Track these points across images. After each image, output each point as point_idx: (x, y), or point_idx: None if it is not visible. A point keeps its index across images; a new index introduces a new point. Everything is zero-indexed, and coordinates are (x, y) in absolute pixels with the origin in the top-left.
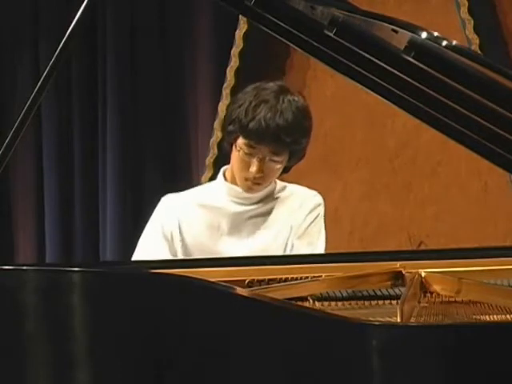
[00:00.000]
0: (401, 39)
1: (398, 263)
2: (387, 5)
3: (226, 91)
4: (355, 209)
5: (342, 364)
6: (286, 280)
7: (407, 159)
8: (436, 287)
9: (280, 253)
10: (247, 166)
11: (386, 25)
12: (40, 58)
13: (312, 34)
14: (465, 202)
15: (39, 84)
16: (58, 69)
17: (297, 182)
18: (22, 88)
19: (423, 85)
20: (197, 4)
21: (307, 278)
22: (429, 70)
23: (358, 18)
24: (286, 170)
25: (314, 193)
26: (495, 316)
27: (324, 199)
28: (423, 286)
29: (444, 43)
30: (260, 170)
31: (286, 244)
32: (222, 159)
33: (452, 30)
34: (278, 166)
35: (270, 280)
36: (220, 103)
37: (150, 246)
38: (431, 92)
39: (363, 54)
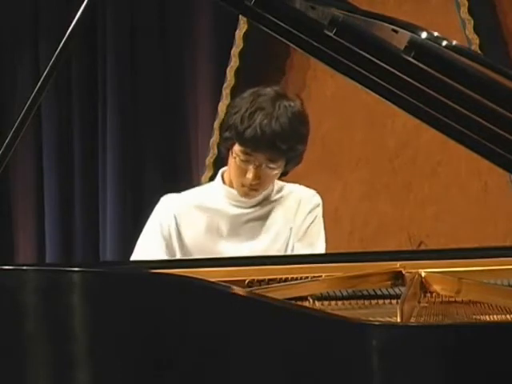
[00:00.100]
0: (401, 39)
1: (398, 263)
2: (387, 5)
3: (225, 91)
4: (355, 209)
5: (341, 364)
6: (286, 280)
7: (407, 159)
8: (436, 287)
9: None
10: (244, 172)
11: (386, 25)
12: (40, 58)
13: (312, 34)
14: (465, 202)
15: (39, 84)
16: (57, 69)
17: (297, 182)
18: (21, 88)
19: (423, 85)
20: (197, 4)
21: (307, 278)
22: (429, 69)
23: (358, 17)
24: (283, 174)
25: (312, 192)
26: (495, 316)
27: (324, 199)
28: (423, 286)
29: (444, 43)
30: (256, 176)
31: (287, 246)
32: (222, 159)
33: (452, 30)
34: (275, 172)
35: (269, 280)
36: (220, 103)
37: (149, 246)
38: (431, 92)
39: (363, 54)
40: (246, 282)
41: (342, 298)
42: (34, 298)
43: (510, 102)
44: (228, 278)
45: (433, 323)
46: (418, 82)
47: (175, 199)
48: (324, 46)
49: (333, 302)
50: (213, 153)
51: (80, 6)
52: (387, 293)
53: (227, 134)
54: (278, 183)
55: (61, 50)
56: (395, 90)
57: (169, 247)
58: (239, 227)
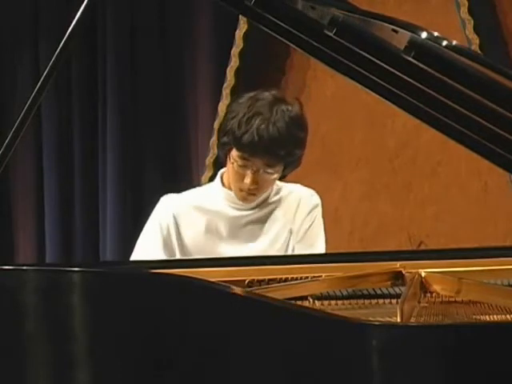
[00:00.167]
0: (401, 39)
1: (398, 263)
2: (387, 5)
3: (225, 91)
4: (355, 209)
5: (342, 364)
6: (286, 280)
7: (407, 159)
8: (436, 287)
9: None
10: (241, 177)
11: (386, 25)
12: (40, 58)
13: (312, 34)
14: (465, 202)
15: (39, 84)
16: (58, 69)
17: (297, 182)
18: (22, 88)
19: (423, 85)
20: (197, 4)
21: (307, 278)
22: (429, 69)
23: (358, 17)
24: (282, 176)
25: (310, 192)
26: (495, 316)
27: (324, 199)
28: (423, 286)
29: (444, 43)
30: (254, 181)
31: (287, 247)
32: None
33: (452, 30)
34: (273, 176)
35: (269, 280)
36: (220, 103)
37: (149, 245)
38: (431, 92)
39: (363, 54)
40: (246, 282)
41: (342, 298)
42: (34, 298)
43: (510, 101)
44: (228, 278)
45: (433, 323)
46: (418, 82)
47: (175, 199)
48: (324, 46)
49: (333, 302)
50: (213, 153)
51: (80, 6)
52: (387, 292)
53: (225, 139)
54: (276, 184)
55: (61, 50)
56: (395, 90)
57: (168, 247)
58: (238, 229)
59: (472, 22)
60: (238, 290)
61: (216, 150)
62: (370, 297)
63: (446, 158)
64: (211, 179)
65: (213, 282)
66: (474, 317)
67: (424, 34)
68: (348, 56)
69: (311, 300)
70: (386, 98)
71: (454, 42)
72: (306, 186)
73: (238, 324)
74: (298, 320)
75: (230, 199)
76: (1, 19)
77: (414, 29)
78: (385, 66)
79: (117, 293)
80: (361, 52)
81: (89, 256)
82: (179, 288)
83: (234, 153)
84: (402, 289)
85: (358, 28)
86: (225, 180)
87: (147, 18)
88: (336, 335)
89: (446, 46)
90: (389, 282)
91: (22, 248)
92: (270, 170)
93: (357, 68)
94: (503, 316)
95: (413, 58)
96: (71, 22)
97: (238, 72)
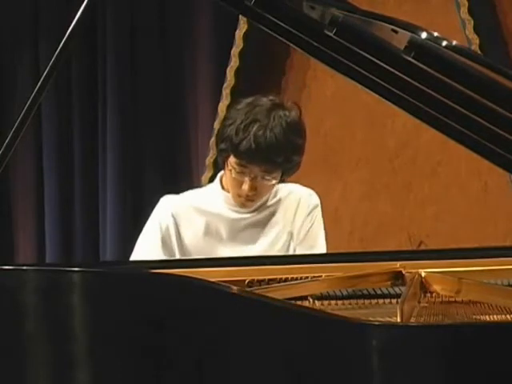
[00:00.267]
0: (401, 39)
1: (398, 263)
2: (387, 5)
3: (225, 91)
4: (355, 209)
5: (342, 364)
6: (286, 280)
7: (407, 159)
8: (436, 287)
9: None
10: (239, 184)
11: (386, 25)
12: (40, 58)
13: (312, 34)
14: (465, 202)
15: (39, 84)
16: (58, 69)
17: (297, 181)
18: (22, 88)
19: (423, 85)
20: (197, 4)
21: (307, 278)
22: (429, 70)
23: (358, 17)
24: (280, 181)
25: (309, 192)
26: (495, 316)
27: (324, 199)
28: (423, 286)
29: (444, 43)
30: (252, 188)
31: (287, 249)
32: None
33: (452, 30)
34: (271, 183)
35: (269, 280)
36: (220, 103)
37: (148, 246)
38: (431, 92)
39: (363, 54)
40: (246, 282)
41: (342, 298)
42: (34, 298)
43: (510, 101)
44: (228, 278)
45: (433, 323)
46: (418, 82)
47: (174, 200)
48: (324, 46)
49: (333, 302)
50: (213, 153)
51: (80, 6)
52: (387, 292)
53: (222, 145)
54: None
55: (61, 50)
56: (395, 90)
57: (168, 247)
58: (238, 232)
59: (472, 22)
60: (238, 290)
61: (216, 150)
62: (369, 297)
63: (445, 158)
64: (211, 179)
65: (213, 282)
66: (473, 317)
67: (424, 34)
68: (348, 56)
69: (311, 300)
70: (385, 98)
71: (454, 42)
72: (305, 185)
73: (238, 324)
74: (298, 320)
75: (230, 202)
76: (1, 19)
77: (414, 29)
78: (385, 66)
79: (117, 293)
80: (361, 52)
81: (89, 256)
82: (179, 288)
83: (232, 159)
84: (402, 289)
85: (358, 28)
86: (224, 183)
87: (147, 18)
88: (336, 335)
89: (446, 46)
90: (389, 282)
91: (22, 248)
92: (268, 177)
93: (357, 68)
94: (503, 316)
95: (413, 58)
96: (71, 22)
97: (238, 72)
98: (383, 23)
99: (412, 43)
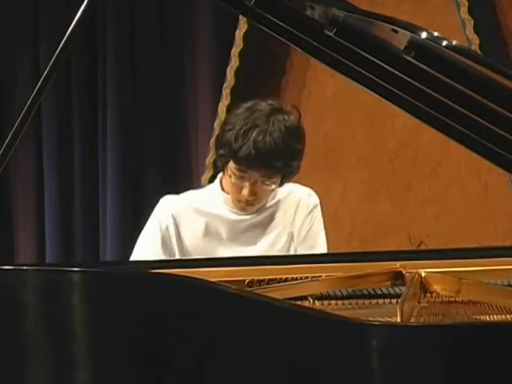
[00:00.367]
0: (401, 39)
1: (398, 263)
2: (387, 5)
3: (225, 91)
4: (355, 209)
5: (342, 364)
6: (286, 280)
7: (407, 159)
8: (436, 287)
9: None
10: (239, 189)
11: (386, 25)
12: (40, 58)
13: (312, 34)
14: (465, 202)
15: (39, 84)
16: (57, 69)
17: (297, 181)
18: (21, 88)
19: (423, 85)
20: (197, 4)
21: (307, 278)
22: (429, 69)
23: (358, 17)
24: (280, 185)
25: (308, 192)
26: (495, 316)
27: (324, 199)
28: (423, 286)
29: (444, 43)
30: (252, 193)
31: (288, 249)
32: None
33: (452, 30)
34: (271, 187)
35: (269, 280)
36: (220, 103)
37: (149, 246)
38: (431, 92)
39: (363, 53)
40: (246, 282)
41: (342, 298)
42: (34, 298)
43: (510, 101)
44: (228, 278)
45: (433, 323)
46: (418, 82)
47: (174, 200)
48: (324, 46)
49: (333, 302)
50: (213, 153)
51: (80, 6)
52: (387, 292)
53: (222, 151)
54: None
55: (61, 50)
56: (395, 90)
57: (168, 247)
58: (238, 233)
59: (472, 22)
60: (238, 289)
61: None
62: (369, 297)
63: (446, 158)
64: (211, 179)
65: (213, 282)
66: (473, 317)
67: (424, 34)
68: (348, 56)
69: (311, 300)
70: (385, 98)
71: (454, 42)
72: (305, 185)
73: (238, 324)
74: (298, 320)
75: (230, 204)
76: (1, 19)
77: (414, 29)
78: (385, 66)
79: (117, 293)
80: (361, 52)
81: (89, 256)
82: (179, 288)
83: (232, 165)
84: (402, 289)
85: (358, 28)
86: (224, 185)
87: (147, 18)
88: (336, 335)
89: (446, 46)
90: (389, 282)
91: (22, 248)
92: (267, 182)
93: (357, 68)
94: (503, 316)
95: (413, 58)
96: (71, 22)
97: (238, 72)
98: (383, 23)
99: (412, 43)
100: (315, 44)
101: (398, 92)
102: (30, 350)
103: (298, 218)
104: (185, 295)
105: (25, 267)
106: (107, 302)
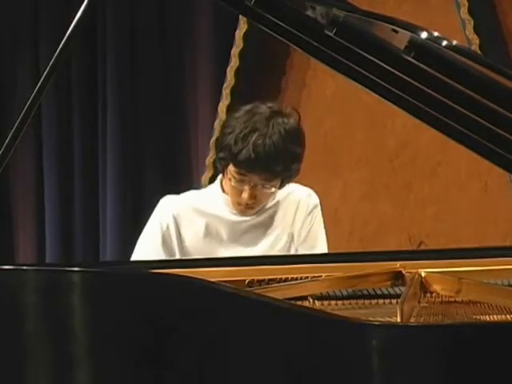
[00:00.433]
0: (401, 39)
1: (398, 263)
2: (387, 5)
3: (225, 91)
4: (355, 209)
5: (342, 364)
6: (286, 280)
7: (407, 159)
8: (436, 287)
9: None
10: (239, 192)
11: (386, 25)
12: (40, 58)
13: (312, 34)
14: (465, 201)
15: (39, 84)
16: (57, 69)
17: (297, 181)
18: (21, 88)
19: (423, 85)
20: (197, 4)
21: (307, 278)
22: (429, 69)
23: (358, 17)
24: (280, 187)
25: (308, 192)
26: (495, 316)
27: (324, 199)
28: (423, 286)
29: (444, 43)
30: (252, 196)
31: (288, 250)
32: None
33: (452, 30)
34: (271, 190)
35: (269, 280)
36: (220, 103)
37: (149, 247)
38: (431, 92)
39: (363, 53)
40: (246, 282)
41: (342, 298)
42: (34, 298)
43: (510, 101)
44: (228, 278)
45: (433, 323)
46: (418, 82)
47: (175, 200)
48: (324, 46)
49: (333, 302)
50: (213, 153)
51: (80, 6)
52: (387, 293)
53: (221, 154)
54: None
55: (61, 50)
56: (395, 90)
57: (168, 247)
58: (238, 234)
59: (472, 22)
60: (238, 289)
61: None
62: (369, 297)
63: (446, 158)
64: (211, 179)
65: (213, 282)
66: (473, 317)
67: (424, 34)
68: (348, 56)
69: (311, 300)
70: (385, 98)
71: (454, 42)
72: (305, 185)
73: (238, 324)
74: (298, 320)
75: (230, 205)
76: (1, 19)
77: (414, 29)
78: (385, 66)
79: (117, 293)
80: (361, 52)
81: (89, 256)
82: (179, 288)
83: (232, 168)
84: (402, 289)
85: (358, 28)
86: (224, 186)
87: (147, 18)
88: (336, 335)
89: (446, 46)
90: (389, 282)
91: (22, 248)
92: (267, 185)
93: (357, 68)
94: (503, 316)
95: (413, 58)
96: (71, 22)
97: (238, 72)
98: (383, 23)
99: (412, 43)
100: (315, 44)
101: (398, 92)
102: (30, 350)
103: (297, 218)
104: (185, 295)
105: (25, 267)
106: (107, 302)
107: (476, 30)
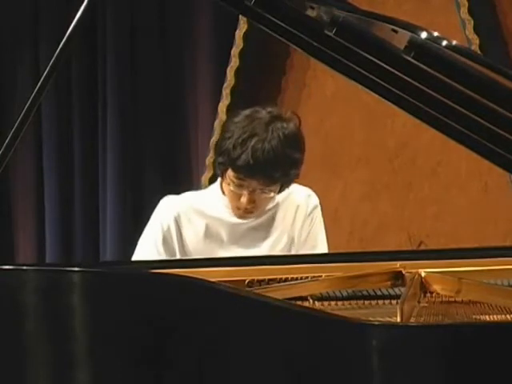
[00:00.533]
0: (401, 39)
1: (398, 263)
2: (387, 5)
3: (225, 91)
4: (355, 209)
5: (342, 364)
6: (286, 280)
7: (407, 159)
8: (436, 287)
9: None
10: (238, 197)
11: (386, 25)
12: (40, 57)
13: (312, 34)
14: (465, 202)
15: (39, 84)
16: (57, 69)
17: (297, 181)
18: (22, 88)
19: (423, 85)
20: (197, 4)
21: (307, 278)
22: (429, 69)
23: (358, 17)
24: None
25: (308, 193)
26: (495, 316)
27: (324, 199)
28: (423, 286)
29: (444, 43)
30: (251, 201)
31: (289, 251)
32: None
33: (452, 30)
34: (270, 195)
35: (269, 280)
36: (220, 103)
37: (150, 247)
38: (431, 92)
39: (363, 53)
40: (246, 282)
41: (342, 298)
42: (34, 298)
43: (510, 101)
44: (228, 278)
45: (433, 323)
46: (418, 82)
47: (176, 201)
48: (324, 45)
49: (333, 302)
50: (213, 153)
51: (80, 6)
52: (387, 293)
53: (220, 159)
54: None
55: (61, 50)
56: (395, 90)
57: (169, 247)
58: (238, 236)
59: (472, 22)
60: (238, 289)
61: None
62: (370, 297)
63: (446, 158)
64: (211, 179)
65: (213, 282)
66: (473, 317)
67: (424, 34)
68: (348, 56)
69: (311, 300)
70: (385, 98)
71: (454, 42)
72: (305, 185)
73: (238, 324)
74: (298, 320)
75: (230, 207)
76: (1, 19)
77: (414, 29)
78: (385, 66)
79: (117, 293)
80: (361, 52)
81: (89, 256)
82: (179, 288)
83: (230, 173)
84: (402, 290)
85: (358, 28)
86: (225, 188)
87: (147, 18)
88: (336, 335)
89: (446, 46)
90: (389, 282)
91: (22, 248)
92: (266, 190)
93: (357, 68)
94: (503, 316)
95: (413, 58)
96: (71, 22)
97: (238, 72)
98: (383, 23)
99: (412, 43)
100: (315, 44)
101: (398, 92)
102: (30, 350)
103: (297, 219)
104: (185, 295)
105: (25, 267)
106: (107, 302)
107: (476, 29)
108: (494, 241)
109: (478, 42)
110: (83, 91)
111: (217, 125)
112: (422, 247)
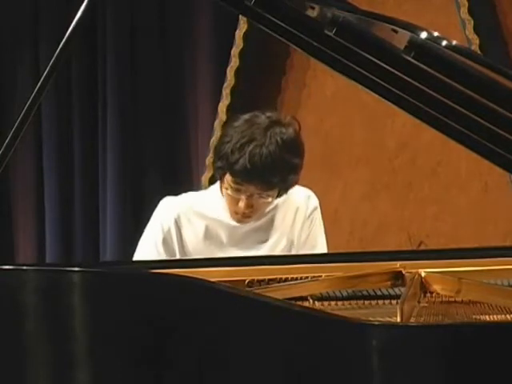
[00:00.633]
0: (401, 39)
1: (398, 263)
2: (387, 5)
3: (225, 91)
4: (355, 209)
5: (342, 364)
6: (286, 280)
7: (407, 159)
8: (436, 287)
9: None
10: (236, 201)
11: (386, 25)
12: (40, 57)
13: (312, 34)
14: (465, 202)
15: (39, 84)
16: (57, 69)
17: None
18: (22, 88)
19: (423, 85)
20: (197, 4)
21: (307, 278)
22: (429, 69)
23: (358, 17)
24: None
25: (307, 194)
26: (495, 316)
27: (324, 199)
28: (423, 286)
29: (444, 43)
30: (249, 205)
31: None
32: None
33: (452, 30)
34: (268, 200)
35: (269, 280)
36: (220, 103)
37: (150, 248)
38: (431, 92)
39: (363, 53)
40: (246, 282)
41: (342, 298)
42: (34, 298)
43: (510, 101)
44: (228, 278)
45: (433, 323)
46: (418, 82)
47: (176, 201)
48: (324, 45)
49: (333, 302)
50: (213, 153)
51: (80, 6)
52: (387, 293)
53: (219, 163)
54: None
55: (61, 50)
56: (395, 90)
57: (169, 249)
58: (238, 238)
59: (472, 22)
60: (238, 289)
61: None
62: (370, 297)
63: (445, 158)
64: (211, 180)
65: (213, 282)
66: (473, 317)
67: (424, 34)
68: (348, 56)
69: (311, 300)
70: (385, 98)
71: (454, 42)
72: (305, 185)
73: (238, 324)
74: (298, 320)
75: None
76: (1, 19)
77: (414, 29)
78: (385, 66)
79: (117, 293)
80: (361, 52)
81: (89, 256)
82: (179, 288)
83: (228, 178)
84: (402, 290)
85: (358, 28)
86: (223, 192)
87: (147, 18)
88: (336, 335)
89: (446, 46)
90: (389, 282)
91: (22, 248)
92: (263, 195)
93: (357, 68)
94: (503, 316)
95: (413, 58)
96: (71, 22)
97: (238, 72)
98: (383, 23)
99: (412, 43)
100: (315, 44)
101: (398, 92)
102: (30, 350)
103: (297, 221)
104: (185, 295)
105: (25, 267)
106: (107, 302)
107: (476, 29)
108: (493, 241)
109: (478, 42)
110: (83, 91)
111: (217, 125)
112: (422, 247)
